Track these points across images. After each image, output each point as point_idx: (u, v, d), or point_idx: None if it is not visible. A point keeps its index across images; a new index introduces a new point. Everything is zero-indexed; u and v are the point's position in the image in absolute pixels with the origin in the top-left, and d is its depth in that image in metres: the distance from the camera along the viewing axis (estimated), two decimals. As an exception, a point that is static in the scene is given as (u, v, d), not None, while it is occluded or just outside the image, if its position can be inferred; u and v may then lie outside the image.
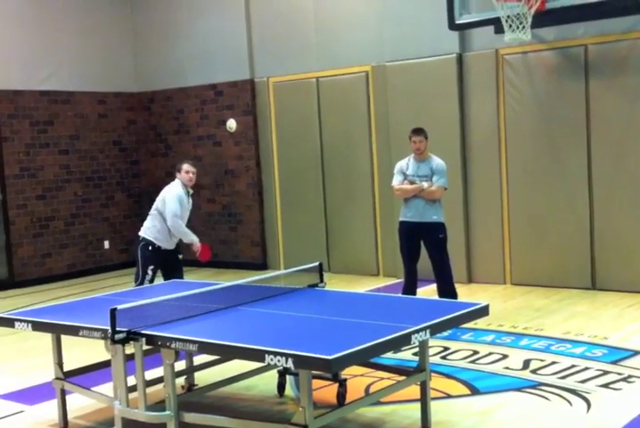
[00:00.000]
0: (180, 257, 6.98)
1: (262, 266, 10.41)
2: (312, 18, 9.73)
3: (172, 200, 6.70)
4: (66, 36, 10.61)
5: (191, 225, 7.16)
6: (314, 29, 9.73)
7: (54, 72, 10.49)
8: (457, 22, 7.76)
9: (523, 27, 7.09)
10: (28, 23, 10.23)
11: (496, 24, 7.45)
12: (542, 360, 5.68)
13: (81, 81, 10.75)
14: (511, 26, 7.14)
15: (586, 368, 5.44)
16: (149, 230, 6.80)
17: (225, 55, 10.47)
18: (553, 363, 5.60)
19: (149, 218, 6.89)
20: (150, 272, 6.72)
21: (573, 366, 5.52)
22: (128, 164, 11.41)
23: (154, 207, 6.86)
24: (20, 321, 4.62)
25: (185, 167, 6.83)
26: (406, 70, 8.86)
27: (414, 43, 8.76)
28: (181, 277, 6.78)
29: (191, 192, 6.95)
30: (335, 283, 8.56)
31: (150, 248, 6.76)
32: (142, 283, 6.69)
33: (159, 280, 6.88)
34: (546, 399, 4.88)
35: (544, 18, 7.25)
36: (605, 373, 5.32)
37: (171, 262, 6.90)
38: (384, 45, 9.05)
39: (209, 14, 10.59)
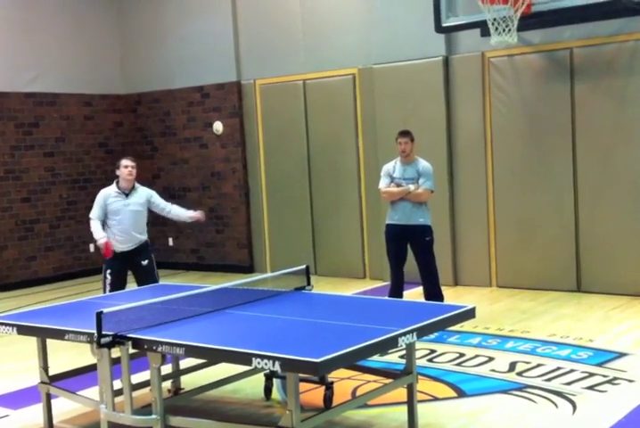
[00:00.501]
0: (144, 263, 6.71)
1: (249, 268, 10.39)
2: (299, 20, 9.73)
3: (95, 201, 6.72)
4: (52, 37, 10.56)
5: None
6: (301, 32, 9.73)
7: (40, 74, 10.44)
8: (444, 25, 7.78)
9: (509, 30, 7.12)
10: (13, 25, 10.18)
11: (483, 27, 7.49)
12: (528, 363, 5.70)
13: (67, 83, 10.70)
14: (497, 29, 7.17)
15: (572, 370, 5.46)
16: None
17: (212, 57, 10.46)
18: (539, 365, 5.62)
19: None
20: (108, 276, 6.58)
21: (559, 368, 5.53)
22: (114, 166, 11.31)
23: None
24: (5, 325, 4.59)
25: (123, 162, 6.69)
26: (393, 73, 8.87)
27: (400, 45, 8.78)
28: (154, 283, 6.56)
29: (136, 187, 6.72)
30: (322, 286, 8.55)
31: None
32: (103, 288, 6.61)
33: (131, 286, 6.77)
34: (532, 401, 4.90)
35: (530, 21, 7.29)
36: (591, 375, 5.34)
37: (135, 268, 6.71)
38: (371, 48, 9.07)
39: (196, 16, 10.57)
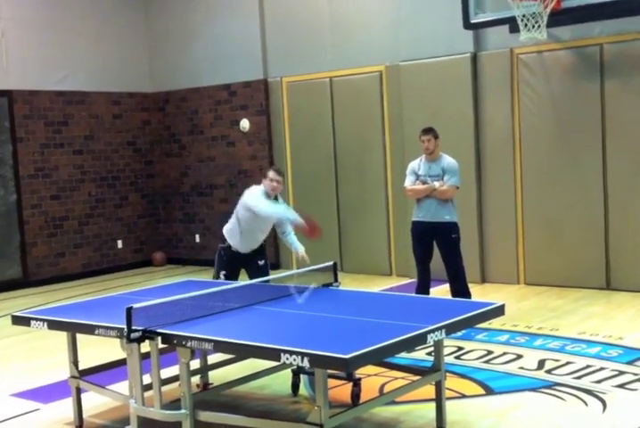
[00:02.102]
0: (260, 263, 6.30)
1: (275, 265, 10.41)
2: (326, 18, 9.73)
3: (252, 195, 6.08)
4: (81, 37, 10.66)
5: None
6: (328, 29, 9.73)
7: (70, 73, 10.54)
8: (472, 22, 7.74)
9: (539, 26, 7.06)
10: (44, 24, 10.29)
11: (512, 23, 7.43)
12: (557, 360, 5.66)
13: (96, 82, 10.80)
14: (526, 25, 7.12)
15: (602, 368, 5.41)
16: (225, 232, 6.36)
17: (239, 55, 10.49)
18: (568, 363, 5.58)
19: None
20: (222, 277, 6.22)
21: (588, 366, 5.49)
22: (142, 164, 11.45)
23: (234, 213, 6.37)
24: (36, 320, 4.63)
25: (271, 174, 6.15)
26: (421, 70, 8.84)
27: (428, 42, 8.75)
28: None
29: (279, 199, 6.30)
30: (348, 283, 8.55)
31: (222, 252, 6.31)
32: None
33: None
34: (562, 399, 4.86)
35: (559, 17, 7.23)
36: (621, 373, 5.29)
37: (252, 269, 6.28)
38: (398, 45, 9.04)
39: (224, 15, 10.61)
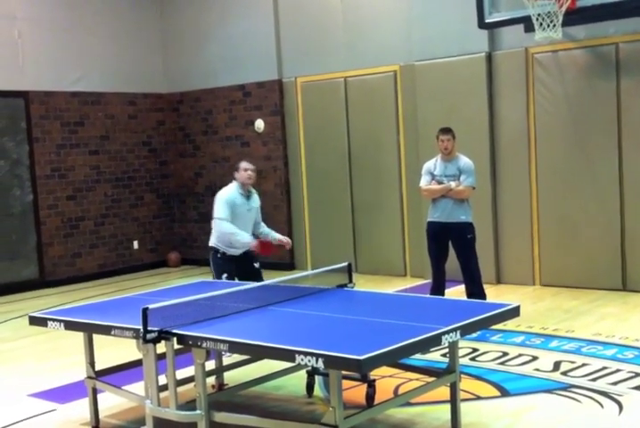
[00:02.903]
0: (257, 265, 6.42)
1: (289, 266, 10.42)
2: (340, 18, 9.73)
3: (217, 203, 6.38)
4: (97, 38, 10.71)
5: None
6: (342, 29, 9.73)
7: (85, 73, 10.59)
8: (487, 21, 7.73)
9: (554, 25, 7.04)
10: (59, 25, 10.35)
11: (527, 22, 7.41)
12: (572, 362, 5.63)
13: (111, 82, 10.85)
14: (541, 24, 7.09)
15: (618, 370, 5.38)
16: (212, 237, 6.48)
17: (254, 56, 10.50)
18: (584, 365, 5.55)
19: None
20: (225, 280, 6.25)
21: (604, 368, 5.46)
22: (157, 165, 11.49)
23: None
24: (53, 320, 4.67)
25: (243, 165, 6.39)
26: (435, 70, 8.82)
27: (442, 42, 8.73)
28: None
29: (253, 191, 6.49)
30: (363, 284, 8.54)
31: (218, 255, 6.40)
32: None
33: None
34: (577, 401, 4.84)
35: (575, 16, 7.19)
36: (637, 375, 5.26)
37: (247, 271, 6.35)
38: (412, 45, 9.03)
39: (238, 15, 10.63)
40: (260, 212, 6.63)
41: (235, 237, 6.25)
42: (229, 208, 6.29)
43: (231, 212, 6.30)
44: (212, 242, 6.50)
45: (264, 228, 6.62)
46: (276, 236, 6.57)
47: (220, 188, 6.69)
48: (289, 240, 6.57)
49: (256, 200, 6.56)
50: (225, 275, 6.31)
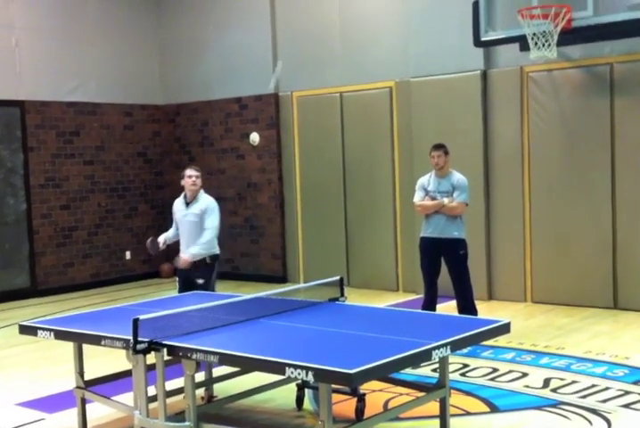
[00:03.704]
0: (199, 282, 6.32)
1: (282, 278, 10.42)
2: (337, 33, 9.80)
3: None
4: (94, 48, 10.76)
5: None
6: (339, 44, 9.79)
7: (81, 84, 10.62)
8: (483, 39, 7.77)
9: (549, 44, 7.09)
10: (57, 35, 10.39)
11: (522, 41, 7.45)
12: (562, 379, 5.64)
13: (108, 93, 10.88)
14: (536, 43, 7.14)
15: (607, 388, 5.39)
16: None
17: (251, 69, 10.56)
18: (574, 382, 5.56)
19: None
20: (177, 284, 6.55)
21: (594, 385, 5.47)
22: (153, 175, 11.50)
23: None
24: (43, 329, 4.66)
25: (187, 171, 6.47)
26: (431, 86, 8.88)
27: (438, 59, 8.79)
28: None
29: (200, 198, 6.47)
30: (354, 298, 8.52)
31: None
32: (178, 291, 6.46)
33: None
34: (567, 418, 4.84)
35: (570, 36, 7.24)
36: (626, 393, 5.27)
37: (190, 284, 6.33)
38: (409, 61, 9.09)
39: (235, 28, 10.69)
40: (209, 221, 6.40)
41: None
42: (173, 215, 6.66)
43: (173, 218, 6.66)
44: None
45: (204, 234, 6.39)
46: (187, 252, 6.40)
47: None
48: (185, 259, 6.36)
49: (198, 207, 6.43)
50: (177, 279, 6.61)
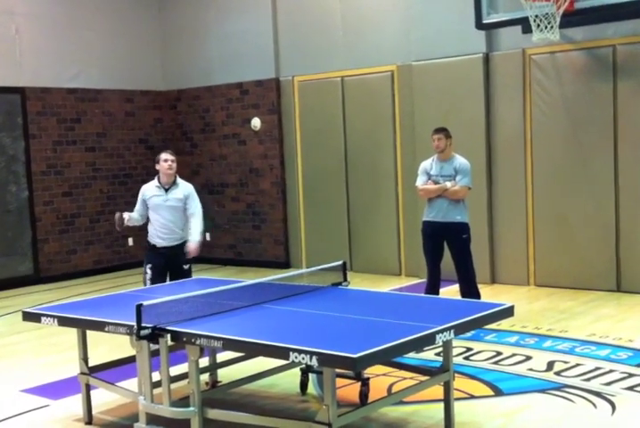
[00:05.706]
0: (185, 267, 6.38)
1: (284, 264, 10.43)
2: (338, 17, 9.73)
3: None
4: (95, 34, 10.71)
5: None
6: (340, 29, 9.73)
7: (82, 70, 10.58)
8: (485, 22, 7.73)
9: (551, 27, 7.04)
10: (57, 22, 10.34)
11: (524, 24, 7.41)
12: (566, 362, 5.64)
13: (109, 79, 10.84)
14: (539, 26, 7.10)
15: (611, 371, 5.40)
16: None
17: (252, 54, 10.51)
18: (578, 365, 5.57)
19: None
20: (148, 271, 6.36)
21: (598, 368, 5.47)
22: (154, 162, 11.43)
23: None
24: (47, 316, 4.66)
25: (163, 155, 6.43)
26: (433, 70, 8.83)
27: (440, 42, 8.73)
28: None
29: (179, 183, 6.45)
30: (357, 283, 8.54)
31: (147, 245, 6.59)
32: (144, 282, 6.42)
33: None
34: (571, 401, 4.85)
35: (572, 18, 7.20)
36: (630, 375, 5.27)
37: (175, 269, 6.38)
38: (410, 45, 9.03)
39: (236, 14, 10.62)
40: (195, 206, 6.45)
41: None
42: (139, 200, 6.58)
43: (141, 203, 6.55)
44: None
45: (192, 220, 6.44)
46: (191, 241, 6.38)
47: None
48: (195, 247, 6.35)
49: (179, 192, 6.43)
50: (148, 266, 6.40)
